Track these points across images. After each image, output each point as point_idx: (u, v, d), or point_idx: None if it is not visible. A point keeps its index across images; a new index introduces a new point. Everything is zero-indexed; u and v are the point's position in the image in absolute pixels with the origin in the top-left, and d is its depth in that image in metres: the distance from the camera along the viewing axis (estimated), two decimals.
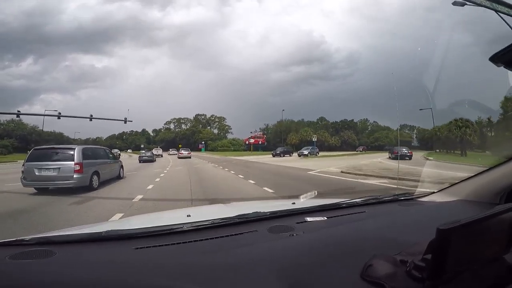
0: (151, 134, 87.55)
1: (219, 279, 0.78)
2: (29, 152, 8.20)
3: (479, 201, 1.42)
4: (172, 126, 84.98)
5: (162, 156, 34.36)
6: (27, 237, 1.03)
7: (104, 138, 77.99)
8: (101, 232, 1.08)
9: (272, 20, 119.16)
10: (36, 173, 7.40)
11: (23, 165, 7.76)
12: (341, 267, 0.83)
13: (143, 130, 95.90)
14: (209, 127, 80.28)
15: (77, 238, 1.10)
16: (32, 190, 7.57)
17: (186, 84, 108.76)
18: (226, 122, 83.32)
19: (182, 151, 33.78)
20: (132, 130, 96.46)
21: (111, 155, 10.30)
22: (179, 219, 1.33)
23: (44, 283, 0.77)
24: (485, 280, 0.73)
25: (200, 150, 67.90)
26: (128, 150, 49.89)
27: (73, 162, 7.50)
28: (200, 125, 79.12)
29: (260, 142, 59.01)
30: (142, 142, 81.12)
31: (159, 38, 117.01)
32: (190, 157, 30.66)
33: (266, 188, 7.81)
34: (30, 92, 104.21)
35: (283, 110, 70.51)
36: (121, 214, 4.83)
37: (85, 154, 8.02)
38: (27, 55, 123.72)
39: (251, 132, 63.83)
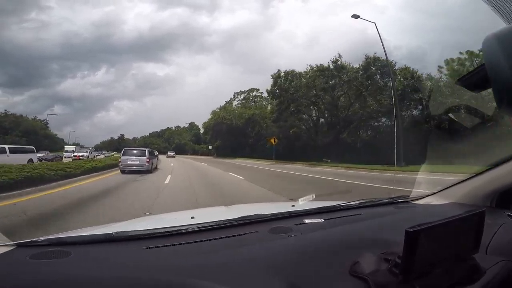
0: (201, 129, 63.46)
1: (224, 276, 0.85)
2: (122, 151, 16.18)
3: (471, 204, 1.46)
4: (235, 104, 52.72)
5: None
6: (41, 238, 1.09)
7: (147, 135, 77.52)
8: (111, 234, 1.13)
9: (320, 19, 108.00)
10: (128, 162, 14.97)
11: (119, 157, 15.63)
12: (333, 264, 0.90)
13: (191, 124, 77.32)
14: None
15: (89, 239, 1.15)
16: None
17: (234, 88, 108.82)
18: None
19: (169, 153, 45.08)
20: (178, 126, 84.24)
21: (155, 155, 18.45)
22: (183, 220, 1.37)
23: (64, 281, 0.83)
24: (454, 277, 0.80)
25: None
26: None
27: (145, 157, 14.96)
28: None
29: None
30: (187, 140, 72.50)
31: (209, 43, 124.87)
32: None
33: None
34: (106, 99, 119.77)
35: None
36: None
37: (149, 153, 15.59)
38: (100, 65, 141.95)
39: None
